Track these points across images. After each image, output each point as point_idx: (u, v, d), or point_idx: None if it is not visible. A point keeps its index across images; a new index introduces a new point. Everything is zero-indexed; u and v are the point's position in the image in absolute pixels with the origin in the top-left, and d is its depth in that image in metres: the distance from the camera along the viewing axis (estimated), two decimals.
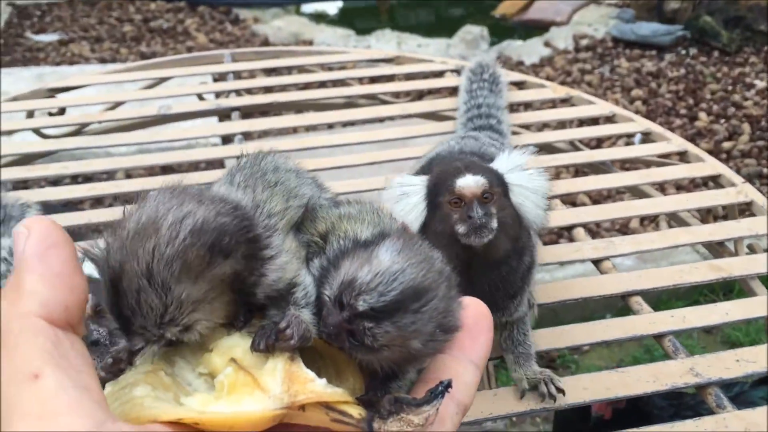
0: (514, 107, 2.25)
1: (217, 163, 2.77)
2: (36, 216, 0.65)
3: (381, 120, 2.52)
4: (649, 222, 3.64)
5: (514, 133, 2.11)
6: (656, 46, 5.64)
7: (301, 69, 2.68)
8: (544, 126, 2.31)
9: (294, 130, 3.76)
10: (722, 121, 4.66)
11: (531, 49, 5.78)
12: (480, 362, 0.66)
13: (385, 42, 6.00)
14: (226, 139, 2.41)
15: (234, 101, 2.35)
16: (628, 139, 3.72)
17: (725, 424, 1.24)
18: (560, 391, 1.27)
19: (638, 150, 2.13)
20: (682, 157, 2.05)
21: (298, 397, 0.56)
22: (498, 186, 1.18)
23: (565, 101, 2.38)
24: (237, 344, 0.61)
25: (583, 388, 1.31)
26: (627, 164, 2.27)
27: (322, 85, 3.01)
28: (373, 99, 2.46)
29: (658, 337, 1.44)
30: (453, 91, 2.33)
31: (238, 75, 2.56)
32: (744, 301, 1.53)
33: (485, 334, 0.67)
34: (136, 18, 6.53)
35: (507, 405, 1.28)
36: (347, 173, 2.00)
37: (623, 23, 5.98)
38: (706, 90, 5.03)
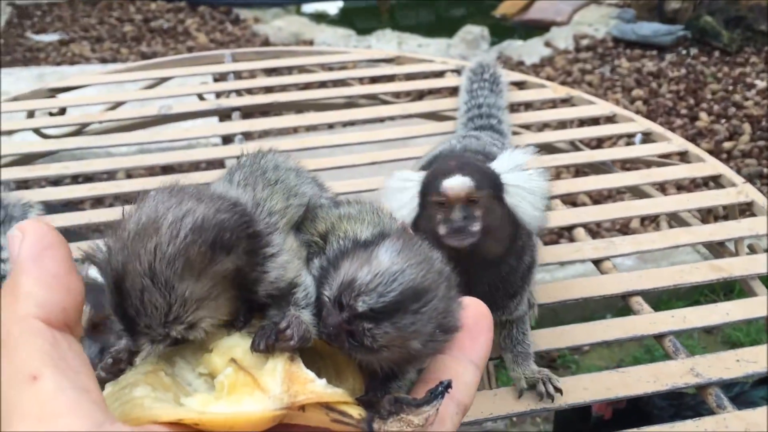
0: (514, 107, 2.25)
1: (217, 163, 2.77)
2: (30, 219, 0.66)
3: (381, 120, 2.52)
4: (650, 222, 3.64)
5: (515, 133, 2.11)
6: (657, 46, 5.64)
7: (302, 69, 2.68)
8: (544, 126, 2.31)
9: (294, 130, 3.76)
10: (723, 121, 4.66)
11: (531, 49, 5.78)
12: (480, 362, 0.66)
13: (385, 42, 5.99)
14: (227, 139, 2.41)
15: (234, 101, 2.35)
16: (628, 139, 3.72)
17: (726, 424, 1.24)
18: (558, 390, 1.27)
19: (639, 150, 2.13)
20: (683, 157, 2.05)
21: (298, 397, 0.56)
22: (489, 188, 1.16)
23: (566, 101, 2.38)
24: (237, 344, 0.61)
25: (584, 388, 1.31)
26: (627, 164, 2.27)
27: (323, 85, 3.01)
28: (374, 99, 2.46)
29: (659, 337, 1.44)
30: (453, 91, 2.33)
31: (238, 75, 2.56)
32: (744, 302, 1.53)
33: (485, 334, 0.67)
34: (136, 18, 6.53)
35: (507, 405, 1.27)
36: (348, 173, 2.00)
37: (624, 23, 5.98)
38: (706, 90, 5.02)
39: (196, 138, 2.66)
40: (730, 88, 5.04)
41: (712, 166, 1.97)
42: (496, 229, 1.17)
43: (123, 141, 2.18)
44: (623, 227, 3.66)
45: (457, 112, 2.10)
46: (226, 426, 0.54)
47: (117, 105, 2.43)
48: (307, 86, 2.56)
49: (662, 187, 3.30)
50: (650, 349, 3.09)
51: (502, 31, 6.41)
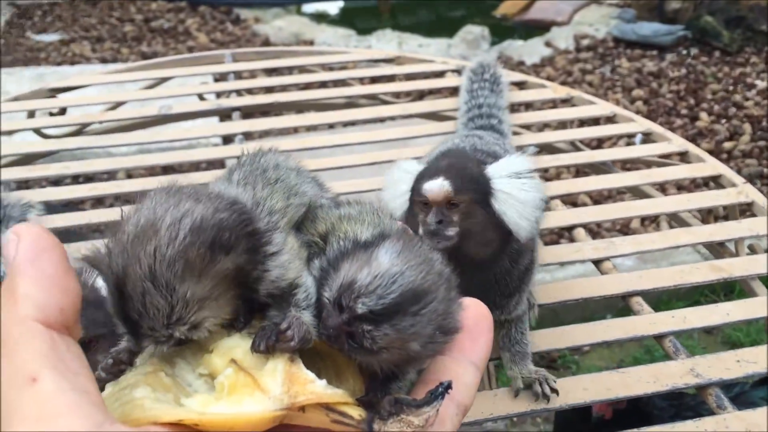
0: (514, 107, 2.25)
1: (218, 163, 2.77)
2: (25, 222, 0.66)
3: (382, 120, 2.52)
4: (650, 222, 3.64)
5: (515, 133, 2.11)
6: (657, 46, 5.64)
7: (302, 69, 2.68)
8: (544, 126, 2.31)
9: (295, 130, 3.76)
10: (723, 121, 4.66)
11: (532, 49, 5.78)
12: (480, 363, 0.66)
13: (385, 42, 5.99)
14: (227, 139, 2.41)
15: (235, 101, 2.35)
16: (628, 139, 3.72)
17: (726, 424, 1.24)
18: (554, 391, 1.27)
19: (639, 150, 2.13)
20: (683, 157, 2.05)
21: (298, 398, 0.56)
22: (472, 192, 1.15)
23: (566, 101, 2.38)
24: (237, 345, 0.61)
25: (584, 389, 1.31)
26: (628, 164, 2.27)
27: (323, 85, 3.01)
28: (374, 99, 2.46)
29: (659, 338, 1.44)
30: (454, 92, 2.33)
31: (238, 75, 2.56)
32: (745, 302, 1.53)
33: (485, 336, 0.67)
34: (137, 18, 6.53)
35: (507, 405, 1.27)
36: (348, 173, 2.00)
37: (624, 23, 5.98)
38: (707, 90, 5.02)
39: (196, 138, 2.66)
40: (731, 88, 5.04)
41: (712, 166, 1.97)
42: (478, 234, 1.16)
43: (123, 141, 2.18)
44: (623, 227, 3.66)
45: (457, 112, 2.10)
46: (227, 426, 0.54)
47: (117, 105, 2.43)
48: (307, 86, 2.56)
49: (662, 188, 3.30)
50: (650, 350, 3.09)
51: (502, 31, 6.40)
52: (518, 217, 1.16)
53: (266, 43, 6.04)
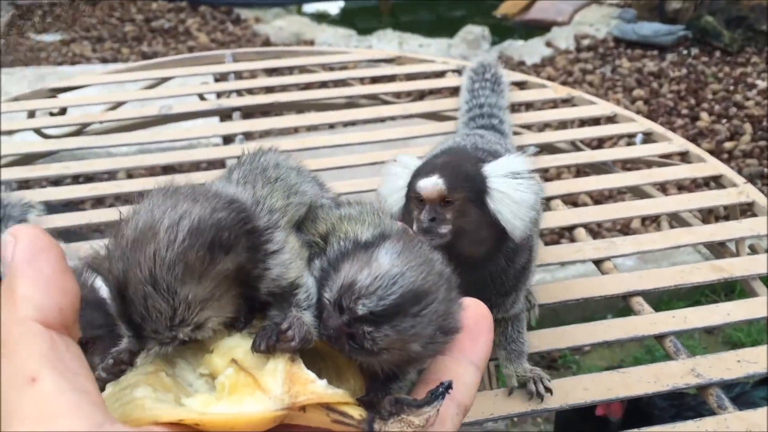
0: (515, 107, 2.25)
1: (218, 163, 2.77)
2: (21, 224, 0.66)
3: (382, 120, 2.52)
4: (651, 222, 3.64)
5: (516, 133, 2.11)
6: (658, 46, 5.64)
7: (303, 69, 2.68)
8: (545, 126, 2.31)
9: (295, 130, 3.76)
10: (724, 121, 4.66)
11: (532, 49, 5.78)
12: (480, 363, 0.66)
13: (386, 42, 6.00)
14: (228, 139, 2.41)
15: (235, 101, 2.35)
16: (629, 139, 3.71)
17: (726, 424, 1.24)
18: (548, 390, 1.27)
19: (639, 150, 2.13)
20: (684, 157, 2.05)
21: (298, 398, 0.56)
22: (467, 191, 1.15)
23: (567, 101, 2.38)
24: (238, 345, 0.61)
25: (584, 389, 1.31)
26: (628, 164, 2.27)
27: (324, 85, 3.01)
28: (375, 99, 2.46)
29: (660, 338, 1.44)
30: (454, 92, 2.33)
31: (239, 75, 2.56)
32: (745, 302, 1.53)
33: (485, 336, 0.67)
34: (137, 18, 6.53)
35: (508, 405, 1.27)
36: (349, 173, 2.00)
37: (625, 23, 5.98)
38: (707, 90, 5.02)
39: (196, 138, 2.66)
40: (731, 88, 5.04)
41: (713, 166, 1.97)
42: (472, 232, 1.16)
43: (124, 141, 2.18)
44: (624, 227, 3.66)
45: (458, 112, 2.10)
46: (227, 426, 0.54)
47: (118, 105, 2.43)
48: (307, 86, 2.56)
49: (663, 188, 3.30)
50: (651, 350, 3.09)
51: (502, 31, 6.41)
52: (513, 217, 1.16)
53: (267, 43, 6.05)
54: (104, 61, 5.66)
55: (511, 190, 1.16)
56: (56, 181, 2.94)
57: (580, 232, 1.77)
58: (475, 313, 0.67)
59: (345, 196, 0.84)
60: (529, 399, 1.27)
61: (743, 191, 1.84)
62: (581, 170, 3.13)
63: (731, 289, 3.21)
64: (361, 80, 2.62)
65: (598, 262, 1.65)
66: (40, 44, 6.03)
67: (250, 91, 2.57)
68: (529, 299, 1.49)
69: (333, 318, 0.61)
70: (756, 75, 5.18)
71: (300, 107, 2.77)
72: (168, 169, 3.01)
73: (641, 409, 1.97)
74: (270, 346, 0.59)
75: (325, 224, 0.73)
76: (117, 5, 6.78)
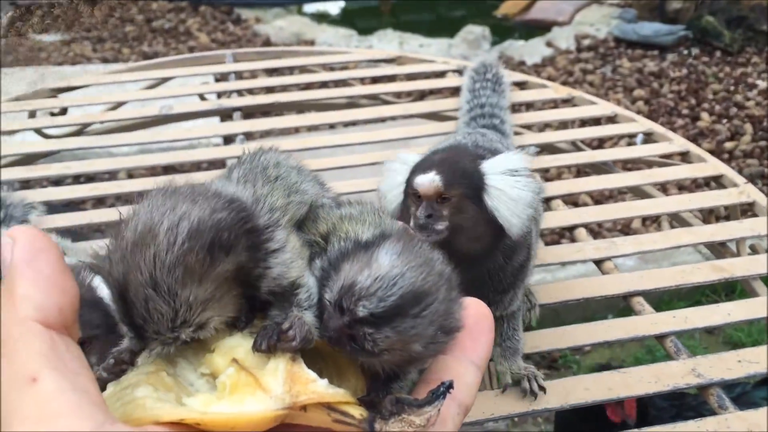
0: (516, 107, 2.25)
1: (218, 164, 2.76)
2: (19, 225, 0.66)
3: (383, 120, 2.52)
4: (651, 222, 3.63)
5: (516, 133, 2.11)
6: (658, 46, 5.63)
7: (303, 69, 2.68)
8: (545, 126, 2.31)
9: (296, 131, 3.76)
10: (724, 121, 4.66)
11: (533, 49, 5.78)
12: (481, 363, 0.66)
13: (386, 42, 5.99)
14: (228, 140, 2.41)
15: (236, 101, 2.35)
16: (630, 139, 3.72)
17: (727, 424, 1.24)
18: (542, 389, 1.27)
19: (640, 150, 2.13)
20: (684, 157, 2.05)
21: (299, 397, 0.56)
22: (464, 187, 1.15)
23: (567, 101, 2.38)
24: (239, 344, 0.61)
25: (585, 389, 1.31)
26: (629, 164, 2.27)
27: (324, 85, 3.01)
28: (375, 99, 2.46)
29: (660, 338, 1.44)
30: (455, 92, 2.33)
31: (239, 75, 2.56)
32: (746, 302, 1.53)
33: (486, 335, 0.67)
34: (138, 18, 6.53)
35: (508, 405, 1.27)
36: (349, 173, 2.00)
37: (625, 23, 5.98)
38: (708, 90, 5.02)
39: (197, 138, 2.66)
40: (732, 88, 5.04)
41: (713, 166, 1.97)
42: (469, 229, 1.16)
43: (124, 141, 2.18)
44: (624, 227, 3.66)
45: (458, 112, 2.10)
46: (228, 426, 0.54)
47: (118, 105, 2.43)
48: (308, 86, 2.56)
49: (664, 188, 3.30)
50: (652, 350, 3.09)
51: (503, 31, 6.40)
52: (510, 215, 1.15)
53: (267, 43, 6.05)
54: (105, 61, 5.66)
55: (508, 188, 1.16)
56: (57, 181, 2.94)
57: (581, 232, 1.77)
58: (475, 312, 0.67)
59: (345, 196, 0.84)
60: (522, 396, 1.27)
61: (744, 191, 1.84)
62: (582, 170, 3.13)
63: (732, 289, 3.20)
64: (362, 80, 2.62)
65: (598, 262, 1.65)
66: (40, 44, 6.03)
67: (251, 91, 2.57)
68: (529, 299, 1.49)
69: (334, 319, 0.61)
70: (756, 75, 5.18)
71: (300, 107, 2.77)
72: (169, 169, 3.01)
73: (641, 409, 1.96)
74: (271, 346, 0.59)
75: (325, 224, 0.73)
76: (117, 5, 6.77)
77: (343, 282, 0.62)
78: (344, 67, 2.75)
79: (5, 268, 0.53)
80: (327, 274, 0.65)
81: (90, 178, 2.71)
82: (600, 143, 3.99)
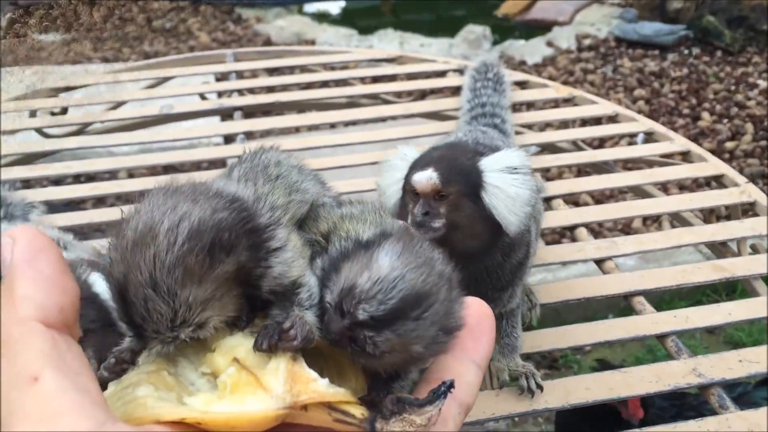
0: (516, 107, 2.25)
1: (219, 163, 2.77)
2: (18, 226, 0.66)
3: (383, 120, 2.52)
4: (652, 222, 3.63)
5: (517, 132, 2.11)
6: (659, 46, 5.63)
7: (304, 69, 2.68)
8: (546, 126, 2.31)
9: (296, 130, 3.76)
10: (725, 121, 4.66)
11: (533, 49, 5.78)
12: (482, 362, 0.66)
13: (387, 42, 5.99)
14: (229, 139, 2.41)
15: (236, 101, 2.35)
16: (630, 138, 3.72)
17: (728, 424, 1.24)
18: (539, 387, 1.27)
19: (641, 150, 2.13)
20: (685, 157, 2.05)
21: (300, 397, 0.56)
22: (462, 185, 1.14)
23: (568, 101, 2.38)
24: (240, 344, 0.61)
25: (586, 388, 1.31)
26: (630, 164, 2.27)
27: (325, 84, 3.01)
28: (376, 99, 2.46)
29: (661, 338, 1.44)
30: (455, 91, 2.33)
31: (240, 74, 2.56)
32: (747, 302, 1.53)
33: (487, 335, 0.67)
34: (138, 17, 6.53)
35: (509, 405, 1.27)
36: (350, 173, 2.00)
37: (626, 23, 5.98)
38: (709, 90, 5.02)
39: (197, 138, 2.66)
40: (733, 87, 5.03)
41: (714, 166, 1.97)
42: (466, 227, 1.16)
43: (125, 140, 2.18)
44: (625, 227, 3.66)
45: (459, 111, 2.10)
46: (229, 425, 0.54)
47: (119, 104, 2.43)
48: (309, 86, 2.56)
49: (664, 187, 3.29)
50: (652, 350, 3.09)
51: (504, 30, 6.40)
52: (507, 212, 1.15)
53: (268, 42, 6.05)
54: (105, 60, 5.66)
55: (506, 185, 1.16)
56: (57, 181, 2.94)
57: (582, 232, 1.77)
58: (477, 312, 0.67)
59: (346, 196, 0.84)
60: (520, 394, 1.27)
61: (745, 191, 1.84)
62: (583, 170, 3.13)
63: (733, 289, 3.20)
64: (362, 80, 2.62)
65: (599, 262, 1.65)
66: (41, 44, 6.03)
67: (252, 91, 2.57)
68: (530, 299, 1.49)
69: (334, 321, 0.61)
70: (757, 75, 5.18)
71: (301, 107, 2.77)
72: (169, 169, 2.99)
73: (642, 409, 1.96)
74: (272, 345, 0.59)
75: (326, 223, 0.72)
76: (118, 5, 6.77)
77: (343, 284, 0.62)
78: (345, 66, 2.75)
79: (5, 268, 0.53)
80: (327, 274, 0.65)
81: (90, 177, 2.69)
82: (601, 143, 3.99)
